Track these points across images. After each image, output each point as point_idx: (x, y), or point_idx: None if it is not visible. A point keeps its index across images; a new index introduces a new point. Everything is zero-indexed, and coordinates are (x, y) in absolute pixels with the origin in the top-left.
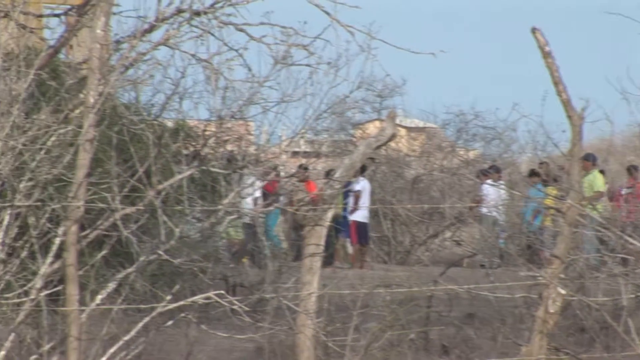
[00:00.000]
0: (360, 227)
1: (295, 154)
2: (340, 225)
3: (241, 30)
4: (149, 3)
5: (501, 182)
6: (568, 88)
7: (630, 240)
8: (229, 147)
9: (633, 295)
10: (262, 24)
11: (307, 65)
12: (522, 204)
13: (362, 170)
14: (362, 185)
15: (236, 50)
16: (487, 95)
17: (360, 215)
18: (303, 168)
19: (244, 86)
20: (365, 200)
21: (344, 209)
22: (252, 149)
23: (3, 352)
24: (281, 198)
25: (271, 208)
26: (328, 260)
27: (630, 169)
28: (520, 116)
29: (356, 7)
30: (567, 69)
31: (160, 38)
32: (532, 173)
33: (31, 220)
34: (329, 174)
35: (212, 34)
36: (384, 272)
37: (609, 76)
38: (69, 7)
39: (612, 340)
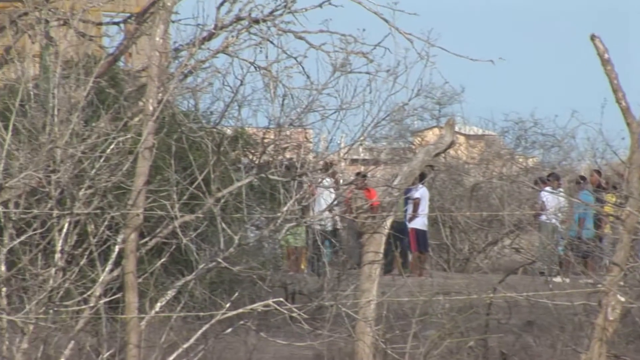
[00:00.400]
0: (419, 234)
1: (354, 161)
2: (400, 232)
3: (300, 37)
4: (208, 11)
5: (560, 189)
6: (627, 95)
7: None
8: (288, 155)
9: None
10: (321, 31)
11: (366, 72)
12: (581, 211)
13: (421, 177)
14: (421, 192)
15: (295, 58)
16: (546, 101)
17: (419, 222)
18: (362, 176)
19: (302, 94)
20: (424, 208)
21: (404, 217)
22: (310, 157)
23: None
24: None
25: (329, 215)
26: (387, 267)
27: None
28: (579, 123)
29: (414, 14)
30: (625, 74)
31: (219, 46)
32: (580, 179)
33: (90, 227)
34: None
35: (271, 42)
36: (443, 280)
37: None
38: (128, 15)
39: None
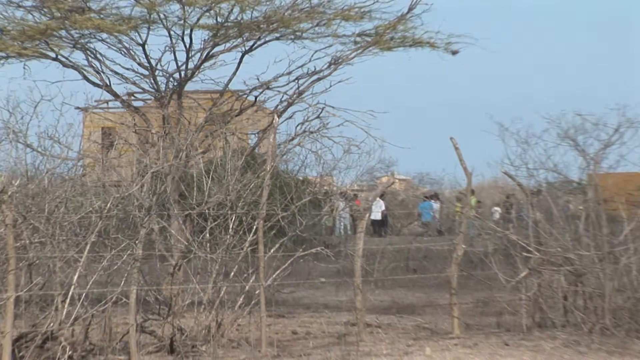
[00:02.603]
0: (380, 221)
1: (353, 190)
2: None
3: (330, 138)
4: (292, 128)
5: (437, 201)
6: None
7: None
8: (325, 188)
9: (491, 248)
10: (339, 136)
11: (358, 153)
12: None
13: (382, 196)
14: (382, 204)
15: (328, 147)
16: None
17: (381, 215)
18: (355, 195)
19: (331, 162)
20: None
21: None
22: (334, 189)
23: (212, 276)
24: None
25: (343, 210)
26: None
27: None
28: (446, 174)
29: (379, 129)
30: None
31: (296, 142)
32: (428, 195)
33: (244, 218)
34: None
35: (318, 140)
36: (389, 238)
37: None
38: (258, 130)
39: (486, 268)
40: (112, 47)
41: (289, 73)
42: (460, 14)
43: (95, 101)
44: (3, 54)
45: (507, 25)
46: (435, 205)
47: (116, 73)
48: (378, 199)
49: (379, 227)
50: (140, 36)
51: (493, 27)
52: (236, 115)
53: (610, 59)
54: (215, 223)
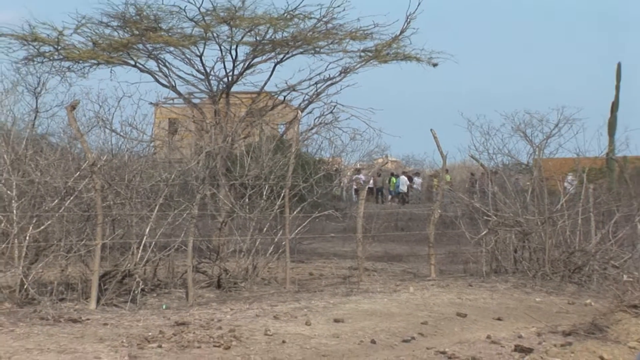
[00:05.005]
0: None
1: (357, 167)
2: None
3: (340, 129)
4: (310, 120)
5: (419, 177)
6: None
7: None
8: (336, 166)
9: (460, 213)
10: (347, 127)
11: (360, 140)
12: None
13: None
14: (405, 180)
15: (338, 135)
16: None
17: (406, 188)
18: (358, 172)
19: (340, 147)
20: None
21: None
22: (342, 166)
23: (250, 231)
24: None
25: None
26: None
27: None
28: (427, 156)
29: (373, 112)
30: None
31: (314, 131)
32: (403, 173)
33: (274, 188)
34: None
35: (331, 130)
36: (382, 204)
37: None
38: (285, 122)
39: (456, 227)
40: (177, 57)
41: (310, 79)
42: (441, 30)
43: (164, 98)
44: (95, 61)
45: (477, 40)
46: (418, 179)
47: (180, 77)
48: (402, 176)
49: (406, 197)
50: (198, 49)
51: (466, 41)
52: (269, 110)
53: (550, 69)
54: (253, 191)
